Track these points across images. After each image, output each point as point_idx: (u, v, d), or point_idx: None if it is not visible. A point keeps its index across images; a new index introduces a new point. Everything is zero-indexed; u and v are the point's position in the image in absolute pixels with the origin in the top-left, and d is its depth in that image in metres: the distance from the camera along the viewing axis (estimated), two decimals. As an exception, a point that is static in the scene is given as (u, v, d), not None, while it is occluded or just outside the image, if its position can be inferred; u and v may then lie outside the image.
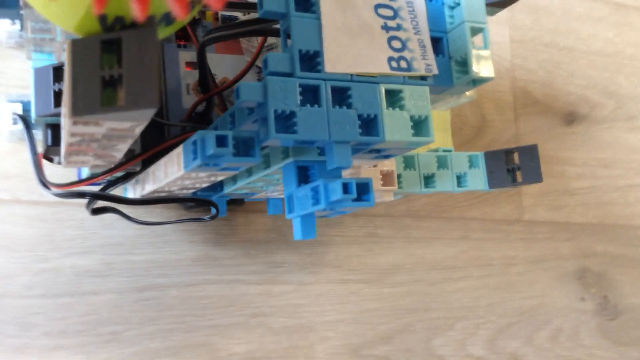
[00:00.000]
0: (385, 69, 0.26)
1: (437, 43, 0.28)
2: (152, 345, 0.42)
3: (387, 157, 0.29)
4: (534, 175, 0.42)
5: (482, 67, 0.27)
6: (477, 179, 0.42)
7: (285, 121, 0.25)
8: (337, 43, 0.26)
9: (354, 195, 0.26)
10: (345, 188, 0.26)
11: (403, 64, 0.27)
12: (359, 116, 0.26)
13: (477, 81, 0.28)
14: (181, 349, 0.43)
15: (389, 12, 0.27)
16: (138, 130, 0.23)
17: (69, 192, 0.32)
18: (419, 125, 0.27)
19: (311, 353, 0.47)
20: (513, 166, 0.42)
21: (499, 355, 0.53)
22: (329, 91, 0.25)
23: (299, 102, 0.25)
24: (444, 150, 0.42)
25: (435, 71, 0.27)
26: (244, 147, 0.25)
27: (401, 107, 0.27)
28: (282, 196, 0.41)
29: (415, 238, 0.53)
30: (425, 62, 0.27)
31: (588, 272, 0.59)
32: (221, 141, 0.23)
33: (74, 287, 0.41)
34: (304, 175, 0.28)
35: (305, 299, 0.48)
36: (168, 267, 0.43)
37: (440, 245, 0.53)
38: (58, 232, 0.41)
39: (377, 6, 0.27)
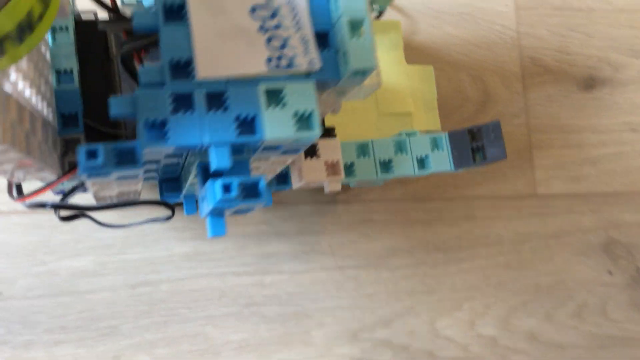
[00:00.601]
0: (264, 69, 0.27)
1: (324, 38, 0.28)
2: (148, 337, 0.45)
3: (293, 152, 0.30)
4: (499, 152, 0.41)
5: (361, 58, 0.27)
6: (442, 161, 0.41)
7: (158, 130, 0.26)
8: (209, 49, 0.27)
9: (235, 194, 0.27)
10: (227, 188, 0.27)
11: (284, 62, 0.27)
12: (238, 117, 0.27)
13: (358, 72, 0.28)
14: (176, 339, 0.46)
15: (267, 13, 0.28)
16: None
17: (31, 203, 0.35)
18: (305, 121, 0.27)
19: (308, 339, 0.48)
20: (478, 144, 0.41)
21: (513, 333, 0.52)
22: (202, 97, 0.27)
23: (170, 110, 0.26)
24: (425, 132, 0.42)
25: (318, 66, 0.28)
26: (130, 157, 0.26)
27: (284, 105, 0.27)
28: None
29: (414, 220, 0.52)
30: (308, 58, 0.28)
31: (615, 244, 0.56)
32: (91, 154, 0.25)
33: (71, 286, 0.44)
34: (207, 175, 0.30)
35: (299, 287, 0.49)
36: (159, 263, 0.46)
37: (442, 226, 0.53)
38: (53, 237, 0.45)
39: (254, 8, 0.28)
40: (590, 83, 0.59)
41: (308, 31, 0.28)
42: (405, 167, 0.41)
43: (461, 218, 0.53)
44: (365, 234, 0.51)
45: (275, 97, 0.27)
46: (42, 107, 0.30)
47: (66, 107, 0.33)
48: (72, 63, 0.33)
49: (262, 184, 0.28)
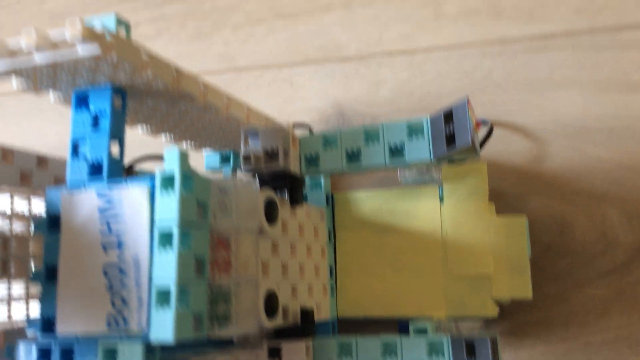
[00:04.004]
0: (103, 328, 0.28)
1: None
2: None
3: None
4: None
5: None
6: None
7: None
8: (69, 306, 0.29)
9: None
10: None
11: (120, 321, 0.28)
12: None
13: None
14: None
15: (115, 271, 0.29)
16: None
17: None
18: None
19: None
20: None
21: None
22: (58, 352, 0.29)
23: (34, 363, 0.30)
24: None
25: (144, 328, 0.27)
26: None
27: (117, 363, 0.28)
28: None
29: None
30: (139, 318, 0.28)
31: None
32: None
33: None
34: None
35: None
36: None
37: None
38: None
39: (106, 266, 0.29)
40: None
41: (144, 291, 0.28)
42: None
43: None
44: None
45: (109, 358, 0.29)
46: None
47: None
48: None
49: None
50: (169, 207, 0.28)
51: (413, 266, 0.42)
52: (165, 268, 0.27)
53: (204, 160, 0.46)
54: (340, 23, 0.52)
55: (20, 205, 0.38)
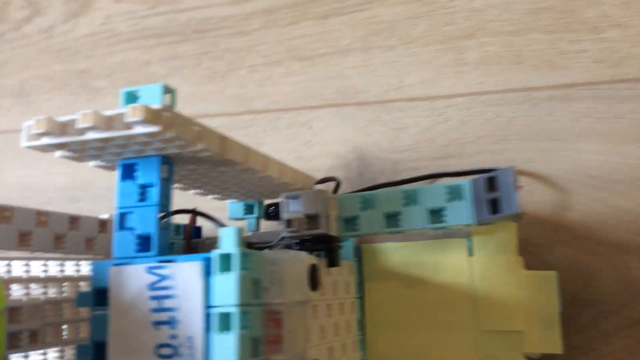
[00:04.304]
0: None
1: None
2: None
3: None
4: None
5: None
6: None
7: None
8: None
9: None
10: None
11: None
12: None
13: None
14: None
15: (168, 350, 0.29)
16: None
17: None
18: None
19: None
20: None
21: None
22: None
23: None
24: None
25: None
26: None
27: None
28: None
29: None
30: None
31: None
32: None
33: None
34: None
35: None
36: None
37: None
38: None
39: (158, 344, 0.29)
40: None
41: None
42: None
43: None
44: None
45: None
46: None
47: None
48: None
49: None
50: (227, 288, 0.28)
51: (443, 320, 0.43)
52: (225, 351, 0.27)
53: (227, 210, 0.46)
54: (359, 67, 0.53)
55: (54, 269, 0.37)
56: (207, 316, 0.28)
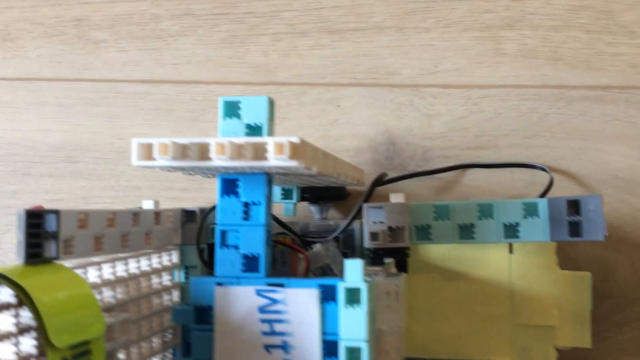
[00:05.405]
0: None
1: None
2: None
3: None
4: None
5: None
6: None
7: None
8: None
9: None
10: None
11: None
12: None
13: None
14: None
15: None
16: None
17: None
18: None
19: None
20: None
21: None
22: None
23: None
24: None
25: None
26: None
27: None
28: None
29: None
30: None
31: None
32: None
33: None
34: None
35: None
36: None
37: None
38: None
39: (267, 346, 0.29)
40: None
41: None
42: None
43: None
44: None
45: None
46: None
47: None
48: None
49: None
50: (357, 323, 0.27)
51: (480, 312, 0.44)
52: (353, 383, 0.27)
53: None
54: (392, 46, 0.51)
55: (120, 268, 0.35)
56: (324, 343, 0.28)
